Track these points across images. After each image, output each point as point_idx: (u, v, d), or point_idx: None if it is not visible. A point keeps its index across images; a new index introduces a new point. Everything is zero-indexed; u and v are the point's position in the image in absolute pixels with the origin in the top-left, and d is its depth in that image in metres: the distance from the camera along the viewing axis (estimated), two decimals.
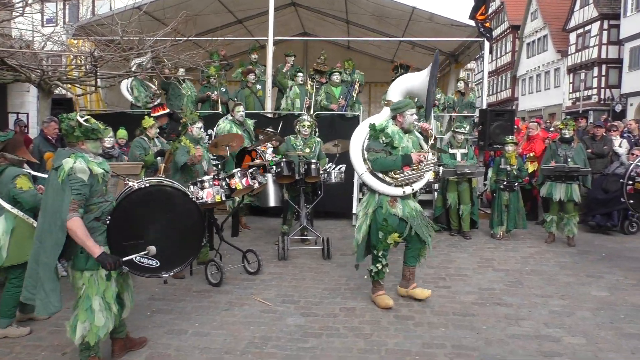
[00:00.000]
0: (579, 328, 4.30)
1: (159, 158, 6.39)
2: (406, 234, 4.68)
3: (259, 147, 6.91)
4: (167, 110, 7.13)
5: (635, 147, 8.39)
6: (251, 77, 9.85)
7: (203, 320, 4.46)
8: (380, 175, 4.63)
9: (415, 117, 4.69)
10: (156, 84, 9.52)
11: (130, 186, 3.56)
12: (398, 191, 4.62)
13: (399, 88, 5.08)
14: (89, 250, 3.22)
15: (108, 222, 3.38)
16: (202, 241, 3.83)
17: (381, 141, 4.61)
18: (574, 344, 3.99)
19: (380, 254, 4.75)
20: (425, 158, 4.61)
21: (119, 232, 3.41)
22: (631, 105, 26.27)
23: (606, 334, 4.18)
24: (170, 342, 4.02)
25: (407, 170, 4.57)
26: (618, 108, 27.22)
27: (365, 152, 4.70)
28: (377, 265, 4.77)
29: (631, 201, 5.72)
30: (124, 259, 3.33)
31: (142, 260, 3.51)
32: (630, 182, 5.63)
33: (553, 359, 3.75)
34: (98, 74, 7.48)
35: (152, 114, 7.02)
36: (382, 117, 4.83)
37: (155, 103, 9.02)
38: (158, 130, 7.00)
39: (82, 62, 7.97)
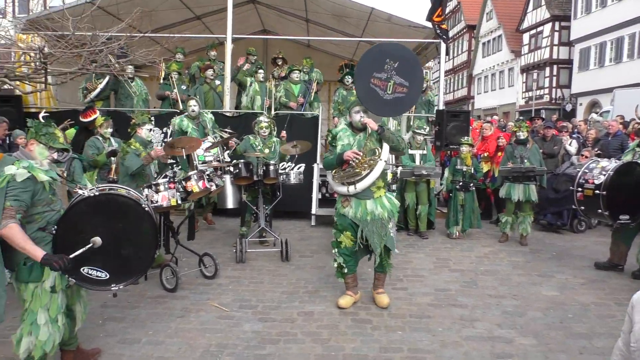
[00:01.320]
0: (530, 328, 4.43)
1: (112, 158, 6.20)
2: (359, 238, 4.70)
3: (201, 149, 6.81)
4: (97, 115, 6.77)
5: (584, 149, 8.71)
6: (209, 72, 9.68)
7: (157, 328, 4.35)
8: (330, 173, 4.85)
9: (360, 114, 4.70)
10: (104, 82, 9.17)
11: (80, 194, 3.42)
12: (343, 189, 4.68)
13: None
14: (31, 255, 3.07)
15: (54, 231, 3.24)
16: (154, 253, 3.71)
17: (328, 140, 4.90)
18: (525, 344, 4.11)
19: (335, 251, 4.89)
20: (359, 155, 4.58)
21: (66, 243, 3.27)
22: (580, 104, 27.33)
23: (556, 334, 4.32)
24: (123, 352, 3.91)
25: (346, 168, 4.63)
26: (568, 107, 28.28)
27: None
28: (334, 262, 4.95)
29: (582, 207, 5.92)
30: (71, 255, 3.18)
31: (90, 272, 3.39)
32: (580, 189, 5.81)
33: None
34: (49, 70, 7.19)
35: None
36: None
37: (85, 106, 8.77)
38: (111, 130, 6.79)
39: (32, 58, 7.63)
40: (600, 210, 5.62)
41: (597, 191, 5.56)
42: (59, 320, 3.30)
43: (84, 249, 3.25)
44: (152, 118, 7.12)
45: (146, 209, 3.63)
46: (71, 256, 3.19)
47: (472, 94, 41.59)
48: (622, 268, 6.06)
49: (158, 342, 4.10)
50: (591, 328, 4.43)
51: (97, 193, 3.44)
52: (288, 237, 7.03)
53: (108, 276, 3.43)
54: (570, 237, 8.05)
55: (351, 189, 4.63)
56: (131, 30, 8.02)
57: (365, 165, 4.57)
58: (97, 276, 3.41)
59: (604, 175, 5.56)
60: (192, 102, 7.50)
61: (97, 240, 3.29)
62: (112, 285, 3.48)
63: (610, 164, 5.66)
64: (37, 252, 3.06)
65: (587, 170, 5.88)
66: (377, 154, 4.63)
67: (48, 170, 3.31)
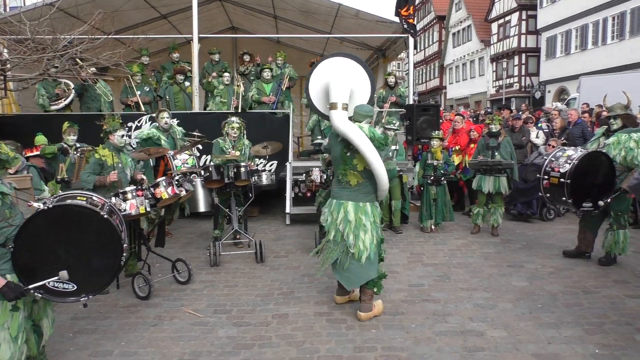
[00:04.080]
0: (501, 320, 4.51)
1: (62, 156, 6.17)
2: None
3: (170, 152, 6.74)
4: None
5: (551, 138, 8.89)
6: (180, 76, 9.63)
7: (130, 339, 4.30)
8: None
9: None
10: (70, 86, 8.98)
11: (35, 208, 3.34)
12: None
13: (345, 91, 4.60)
14: None
15: (12, 248, 3.17)
16: (121, 259, 3.65)
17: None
18: (496, 337, 4.18)
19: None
20: None
21: (26, 258, 3.20)
22: (549, 92, 27.87)
23: (525, 324, 4.41)
24: None
25: None
26: (537, 95, 28.82)
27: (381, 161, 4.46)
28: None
29: (548, 195, 6.04)
30: (30, 286, 3.14)
31: (56, 285, 3.33)
32: (546, 176, 5.93)
33: (476, 355, 3.91)
34: (9, 76, 7.01)
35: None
36: (365, 126, 4.50)
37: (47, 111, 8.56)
38: (75, 137, 6.66)
39: None
40: (564, 198, 5.75)
41: (562, 179, 5.68)
42: (19, 338, 3.22)
43: (48, 280, 3.19)
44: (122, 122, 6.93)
45: (105, 216, 3.56)
46: (31, 287, 3.14)
47: (444, 84, 42.04)
48: (589, 255, 6.22)
49: (131, 353, 4.05)
50: (559, 317, 4.53)
51: (51, 206, 3.35)
52: (263, 237, 7.02)
53: (76, 287, 3.38)
54: (539, 225, 8.22)
55: None
56: (94, 32, 7.85)
57: None
58: (64, 288, 3.36)
59: (569, 164, 5.69)
60: (165, 115, 7.34)
61: (64, 274, 3.22)
62: (82, 296, 3.44)
63: (575, 153, 5.78)
64: None
65: (553, 159, 5.99)
66: None
67: None
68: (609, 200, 5.68)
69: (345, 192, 4.57)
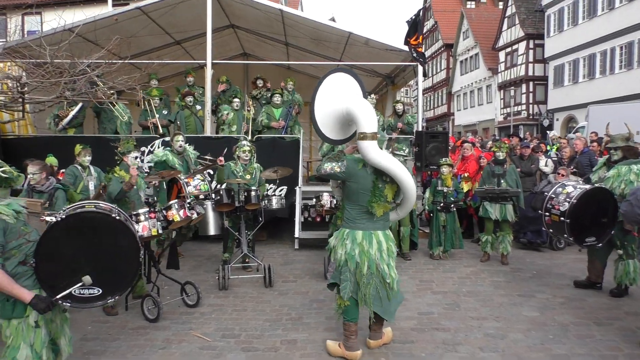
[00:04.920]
0: (512, 351, 4.47)
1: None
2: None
3: (183, 178, 6.78)
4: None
5: (560, 167, 8.89)
6: (188, 99, 9.77)
7: None
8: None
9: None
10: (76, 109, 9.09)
11: (48, 222, 3.40)
12: None
13: (374, 118, 4.29)
14: (20, 298, 3.10)
15: (33, 264, 3.22)
16: (139, 256, 3.70)
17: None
18: None
19: None
20: None
21: (49, 272, 3.26)
22: (557, 120, 27.93)
23: (537, 356, 4.36)
24: None
25: None
26: (545, 123, 28.87)
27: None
28: None
29: (551, 230, 6.05)
30: (58, 296, 3.19)
31: (82, 292, 3.39)
32: (547, 213, 5.93)
33: None
34: (27, 99, 7.15)
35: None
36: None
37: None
38: (89, 158, 6.74)
39: (9, 87, 7.58)
40: (566, 235, 5.74)
41: (562, 218, 5.67)
42: (43, 355, 3.27)
43: (72, 288, 3.24)
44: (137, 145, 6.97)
45: (117, 217, 3.64)
46: (58, 296, 3.18)
47: (452, 111, 42.24)
48: (600, 286, 6.16)
49: None
50: (571, 349, 4.48)
51: (64, 216, 3.42)
52: (271, 261, 7.02)
53: (101, 291, 3.44)
54: (550, 255, 8.16)
55: None
56: (110, 57, 8.03)
57: None
58: (90, 294, 3.42)
59: (568, 202, 5.67)
60: (180, 138, 7.45)
61: (87, 279, 3.29)
62: (109, 298, 3.51)
63: (574, 191, 5.75)
64: (25, 295, 3.10)
65: (553, 196, 5.94)
66: None
67: (9, 203, 3.28)
68: (612, 232, 5.67)
69: (370, 223, 4.31)
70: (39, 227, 3.48)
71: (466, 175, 9.09)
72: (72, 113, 9.02)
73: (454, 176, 8.30)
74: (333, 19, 32.92)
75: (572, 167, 8.77)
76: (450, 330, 4.95)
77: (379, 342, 4.54)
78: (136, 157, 5.87)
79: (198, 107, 9.87)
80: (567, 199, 5.68)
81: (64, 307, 3.38)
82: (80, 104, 9.00)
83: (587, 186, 5.85)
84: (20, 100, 6.90)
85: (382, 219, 4.37)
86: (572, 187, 5.85)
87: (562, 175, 7.80)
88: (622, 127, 6.32)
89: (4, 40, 11.07)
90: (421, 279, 6.72)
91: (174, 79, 11.95)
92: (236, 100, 9.76)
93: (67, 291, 3.24)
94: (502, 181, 7.52)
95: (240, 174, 6.80)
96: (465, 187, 8.96)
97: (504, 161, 7.67)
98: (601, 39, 23.77)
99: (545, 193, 6.07)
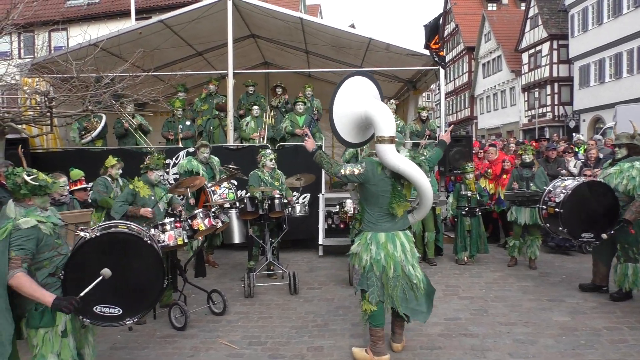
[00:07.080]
0: (542, 357, 4.38)
1: None
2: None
3: (209, 185, 6.86)
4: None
5: (585, 168, 8.71)
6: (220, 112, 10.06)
7: None
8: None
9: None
10: (101, 119, 9.26)
11: (82, 237, 3.47)
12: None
13: (392, 121, 4.30)
14: (41, 301, 3.10)
15: (62, 276, 3.28)
16: (163, 282, 3.75)
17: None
18: None
19: None
20: None
21: (75, 286, 3.31)
22: (584, 121, 27.38)
23: None
24: None
25: None
26: (572, 124, 28.35)
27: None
28: None
29: (548, 225, 5.94)
30: (82, 293, 3.20)
31: (103, 310, 3.43)
32: (544, 206, 5.83)
33: None
34: (54, 113, 7.34)
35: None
36: (406, 154, 4.52)
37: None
38: (120, 171, 6.88)
39: (37, 102, 7.80)
40: (560, 228, 5.64)
41: (557, 209, 5.58)
42: None
43: (93, 284, 3.27)
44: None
45: (148, 241, 3.70)
46: (81, 294, 3.22)
47: (475, 114, 41.80)
48: (606, 289, 6.02)
49: None
50: (604, 354, 4.37)
51: (98, 234, 3.49)
52: (296, 268, 7.03)
53: (121, 311, 3.48)
54: (579, 258, 7.99)
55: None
56: (134, 69, 8.19)
57: None
58: (110, 312, 3.46)
59: (564, 193, 5.60)
60: (206, 150, 7.60)
61: (107, 271, 3.29)
62: (127, 320, 3.53)
63: (572, 183, 5.69)
64: (47, 297, 3.10)
65: (551, 189, 5.92)
66: None
67: (49, 215, 3.36)
68: (612, 232, 5.52)
69: (391, 224, 4.32)
70: (64, 235, 3.55)
71: (488, 171, 8.97)
72: (101, 126, 9.21)
73: (475, 179, 8.19)
74: (353, 25, 33.01)
75: (598, 169, 8.58)
76: (478, 336, 4.88)
77: (403, 343, 4.55)
78: (161, 175, 5.94)
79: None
80: (563, 191, 5.62)
81: (84, 323, 3.42)
82: (105, 117, 9.19)
83: (585, 180, 5.78)
84: (49, 114, 7.08)
85: (401, 219, 4.38)
86: (570, 181, 5.80)
87: (588, 177, 7.65)
88: None
89: (32, 56, 11.40)
90: (447, 284, 6.64)
91: (196, 90, 12.12)
92: (255, 107, 9.87)
93: (89, 287, 3.25)
94: (530, 184, 7.39)
95: (269, 181, 6.87)
96: (488, 186, 8.86)
97: (531, 164, 7.53)
98: (628, 37, 23.27)
99: (551, 188, 6.02)
